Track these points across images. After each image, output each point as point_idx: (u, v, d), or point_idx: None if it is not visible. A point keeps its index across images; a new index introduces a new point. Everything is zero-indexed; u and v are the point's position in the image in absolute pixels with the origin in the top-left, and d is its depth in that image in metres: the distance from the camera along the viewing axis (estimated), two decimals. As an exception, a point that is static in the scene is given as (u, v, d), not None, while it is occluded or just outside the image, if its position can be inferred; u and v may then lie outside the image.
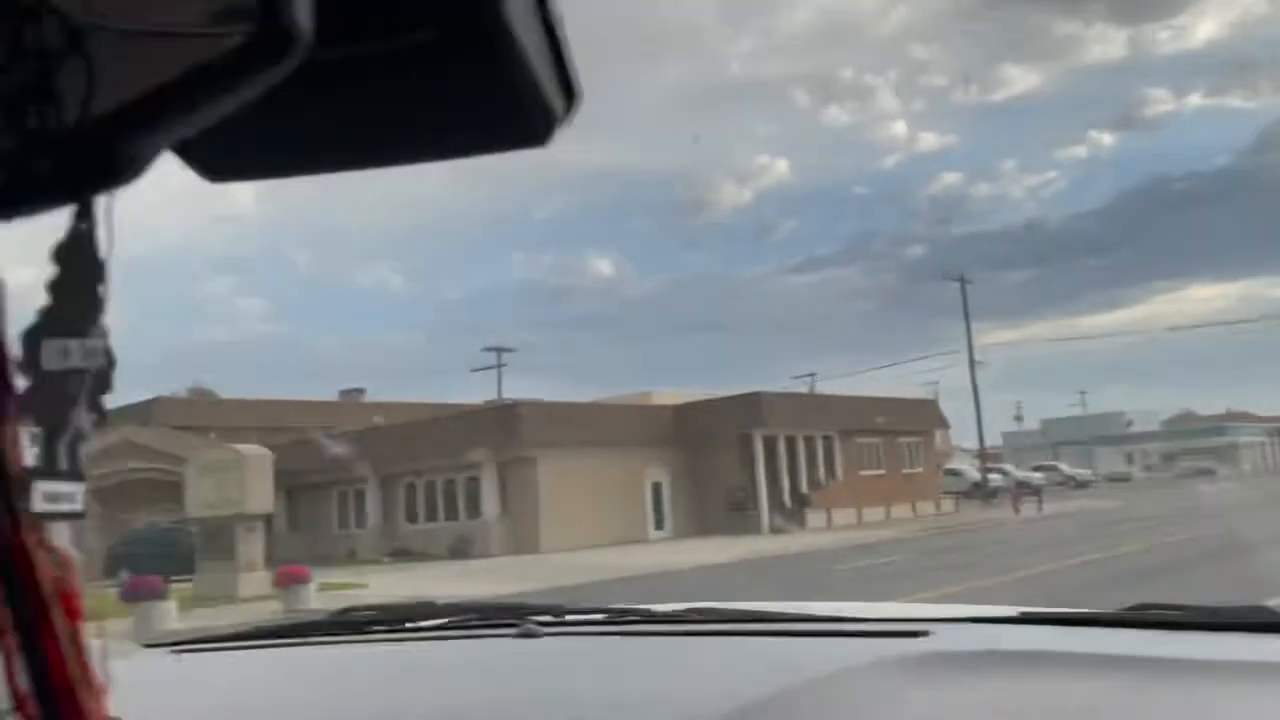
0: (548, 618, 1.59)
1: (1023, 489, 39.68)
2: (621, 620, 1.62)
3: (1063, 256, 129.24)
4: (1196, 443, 77.49)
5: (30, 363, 0.42)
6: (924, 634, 1.30)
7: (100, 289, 0.44)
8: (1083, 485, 58.27)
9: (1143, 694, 1.01)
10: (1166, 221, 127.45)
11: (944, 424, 43.97)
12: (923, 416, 40.24)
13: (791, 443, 32.97)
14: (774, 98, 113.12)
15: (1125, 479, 65.45)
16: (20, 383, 0.41)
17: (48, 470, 0.43)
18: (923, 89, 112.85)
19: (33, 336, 0.43)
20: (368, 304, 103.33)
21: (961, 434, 53.00)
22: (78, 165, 0.42)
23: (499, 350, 49.39)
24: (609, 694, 1.21)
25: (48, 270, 0.43)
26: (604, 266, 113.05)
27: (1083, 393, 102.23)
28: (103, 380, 0.45)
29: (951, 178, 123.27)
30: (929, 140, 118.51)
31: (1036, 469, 58.60)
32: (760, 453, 32.01)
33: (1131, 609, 1.44)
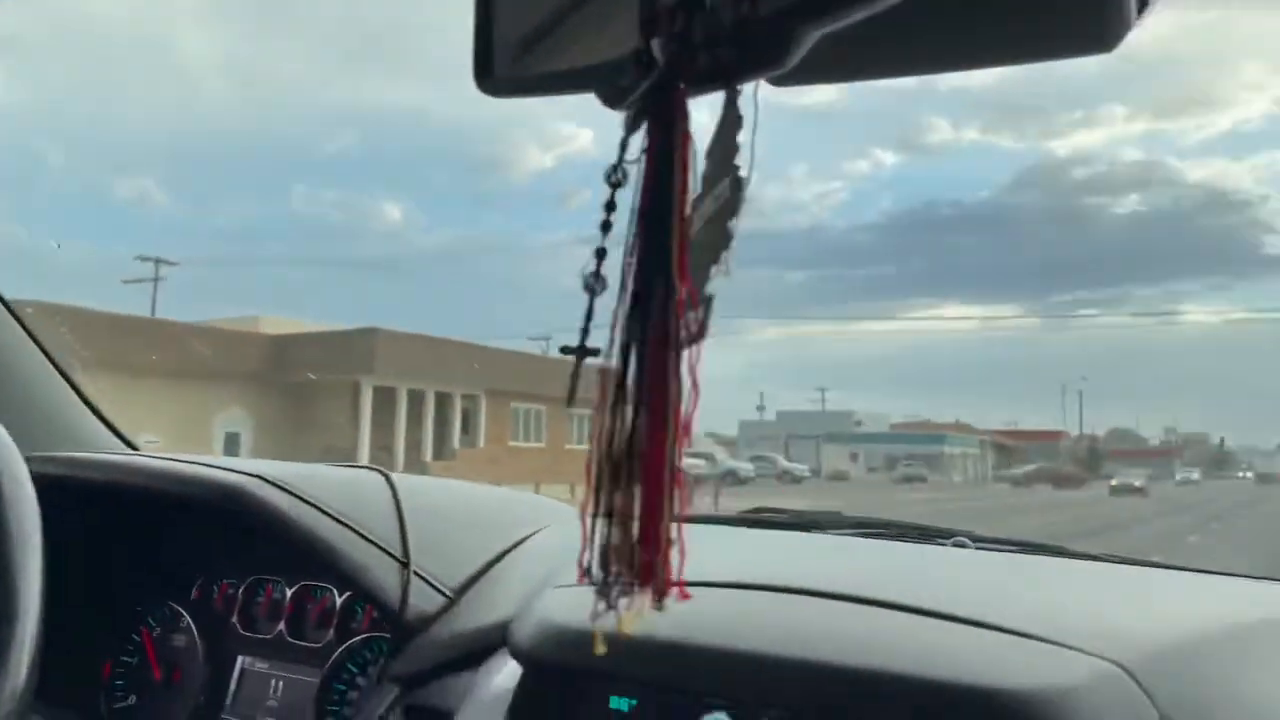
0: (964, 540, 1.60)
1: (726, 479, 38.48)
2: (1038, 550, 1.62)
3: (839, 264, 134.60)
4: (918, 448, 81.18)
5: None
6: None
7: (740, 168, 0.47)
8: (797, 480, 56.26)
9: None
10: (932, 243, 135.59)
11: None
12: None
13: (418, 398, 25.78)
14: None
15: (844, 477, 67.03)
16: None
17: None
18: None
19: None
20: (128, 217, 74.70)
21: (709, 422, 48.76)
22: (741, 51, 0.44)
23: (157, 261, 36.00)
24: (1043, 606, 1.16)
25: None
26: (392, 212, 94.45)
27: (822, 390, 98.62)
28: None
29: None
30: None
31: (753, 459, 56.05)
32: (369, 406, 24.58)
33: None
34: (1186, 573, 1.49)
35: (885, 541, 1.64)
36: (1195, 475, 79.47)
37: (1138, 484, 43.23)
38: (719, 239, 0.47)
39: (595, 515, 0.45)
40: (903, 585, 1.16)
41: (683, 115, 0.46)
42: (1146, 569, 1.54)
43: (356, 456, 23.98)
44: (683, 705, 0.97)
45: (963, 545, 1.54)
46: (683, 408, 0.45)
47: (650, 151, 0.46)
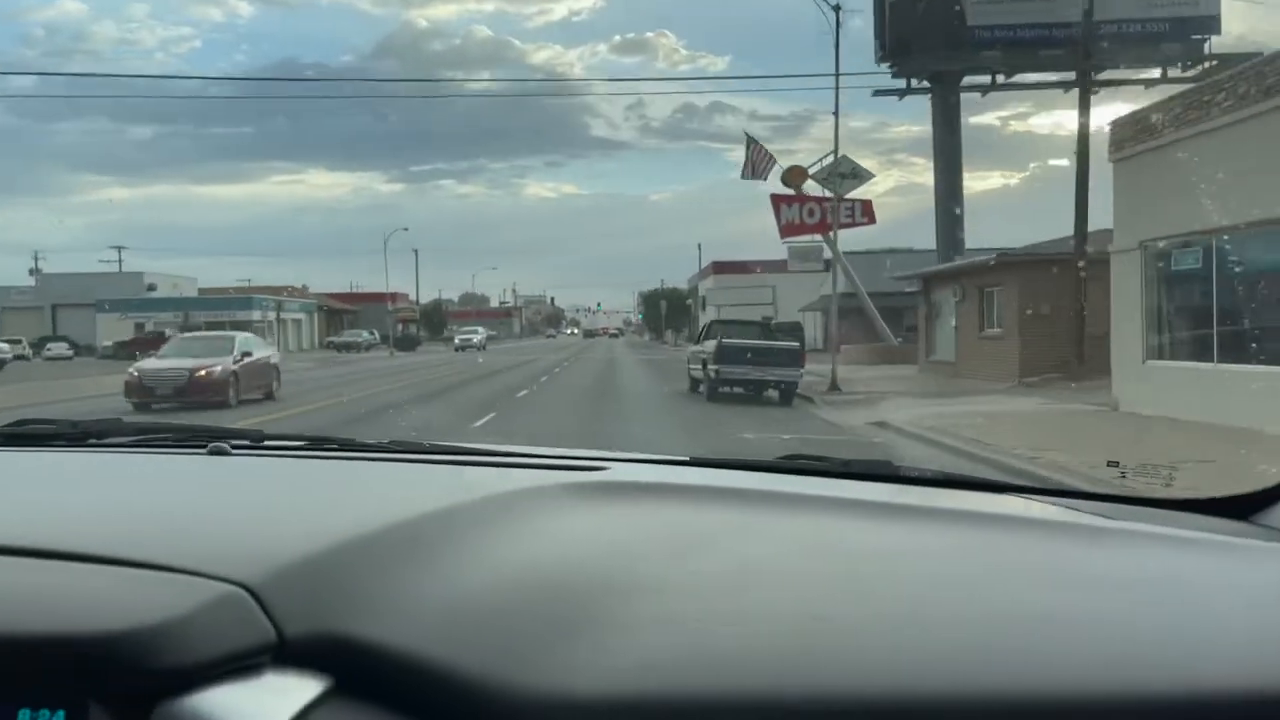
0: (245, 442, 1.66)
1: None
2: (319, 447, 1.69)
3: (190, 120, 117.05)
4: (222, 313, 69.15)
5: None
6: (603, 468, 1.50)
7: None
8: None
9: (792, 520, 1.26)
10: (293, 106, 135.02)
11: None
12: None
13: None
14: None
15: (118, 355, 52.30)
16: None
17: None
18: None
19: None
20: None
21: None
22: None
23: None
24: (284, 503, 1.30)
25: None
26: None
27: (119, 249, 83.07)
28: None
29: (72, 6, 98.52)
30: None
31: None
32: None
33: (785, 458, 1.72)
34: (444, 465, 1.59)
35: (140, 455, 1.62)
36: (478, 338, 72.11)
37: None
38: None
39: None
40: (83, 514, 1.16)
41: None
42: (419, 463, 1.60)
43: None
44: None
45: (221, 452, 1.53)
46: None
47: None
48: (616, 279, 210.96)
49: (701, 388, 22.43)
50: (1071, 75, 32.20)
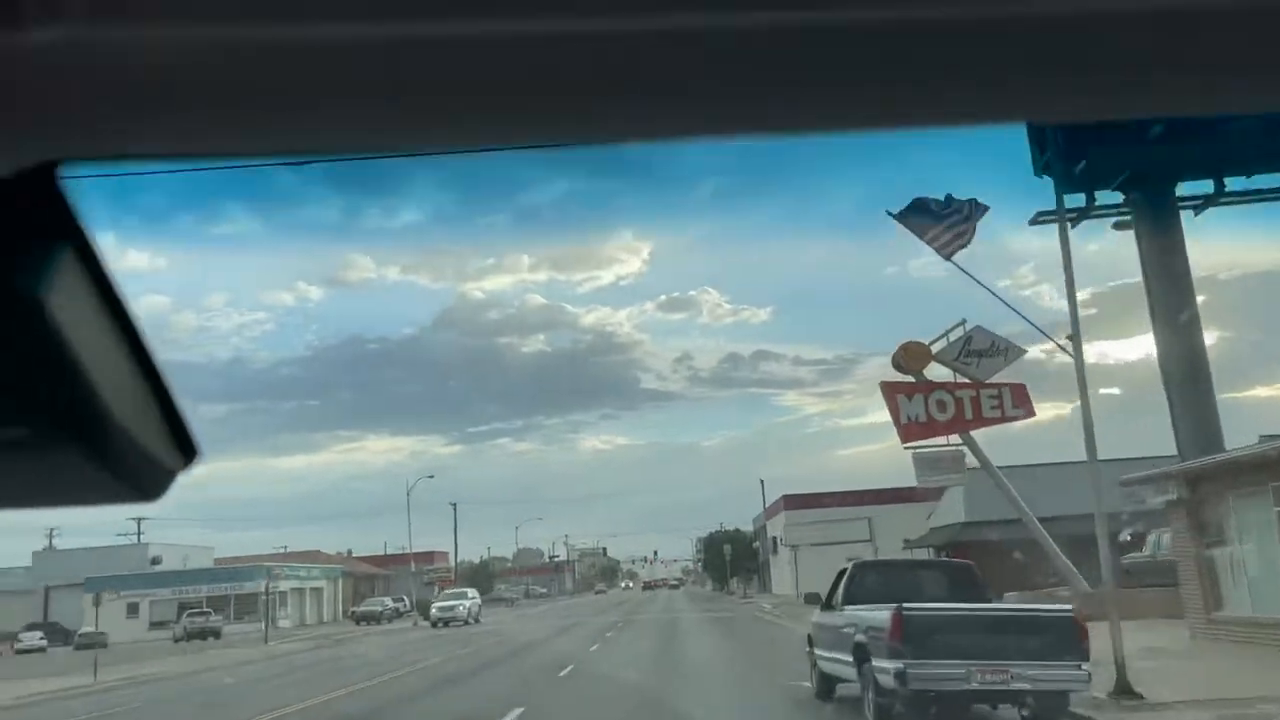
0: None
1: None
2: None
3: (263, 397, 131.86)
4: (225, 587, 63.01)
5: None
6: None
7: None
8: None
9: None
10: (357, 378, 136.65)
11: None
12: None
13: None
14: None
15: (99, 644, 42.64)
16: None
17: None
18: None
19: None
20: None
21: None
22: None
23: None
24: None
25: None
26: None
27: (139, 520, 71.55)
28: None
29: (158, 300, 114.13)
30: (138, 259, 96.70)
31: None
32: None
33: None
34: None
35: None
36: (464, 607, 51.00)
37: None
38: None
39: None
40: None
41: None
42: None
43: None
44: None
45: None
46: None
47: None
48: (672, 526, 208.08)
49: (843, 692, 11.67)
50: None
